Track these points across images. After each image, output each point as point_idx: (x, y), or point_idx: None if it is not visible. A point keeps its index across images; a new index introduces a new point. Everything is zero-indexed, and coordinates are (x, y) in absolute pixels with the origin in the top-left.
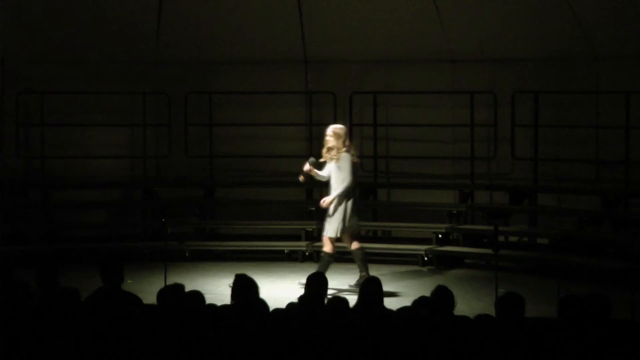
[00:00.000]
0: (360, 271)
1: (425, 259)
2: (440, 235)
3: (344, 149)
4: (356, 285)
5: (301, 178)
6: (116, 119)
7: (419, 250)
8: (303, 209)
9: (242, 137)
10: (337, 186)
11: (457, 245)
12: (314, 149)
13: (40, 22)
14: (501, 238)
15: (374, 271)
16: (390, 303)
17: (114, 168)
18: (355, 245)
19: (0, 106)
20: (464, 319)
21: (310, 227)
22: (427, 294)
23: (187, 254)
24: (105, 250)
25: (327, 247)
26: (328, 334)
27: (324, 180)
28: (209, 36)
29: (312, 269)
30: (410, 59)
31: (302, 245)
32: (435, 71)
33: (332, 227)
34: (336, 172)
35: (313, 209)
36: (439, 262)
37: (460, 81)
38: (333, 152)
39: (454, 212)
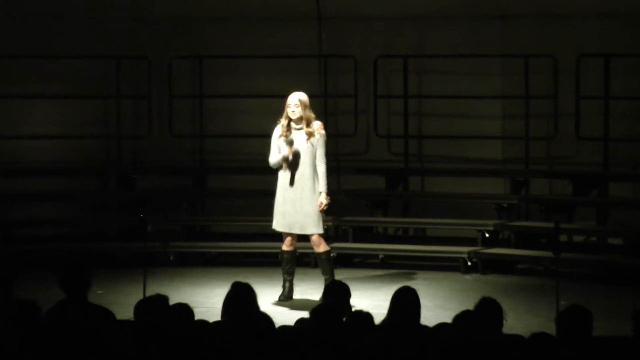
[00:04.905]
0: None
1: (469, 263)
2: (487, 235)
3: (318, 120)
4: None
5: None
6: (84, 90)
7: (460, 253)
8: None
9: (240, 112)
10: (310, 164)
11: (508, 246)
12: (330, 126)
13: None
14: (563, 237)
15: (405, 279)
16: (425, 318)
17: (80, 151)
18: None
19: None
20: (516, 338)
21: (325, 224)
22: (471, 307)
23: (171, 258)
24: (68, 253)
25: (323, 246)
26: (347, 357)
27: (280, 163)
28: None
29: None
30: (448, 15)
31: None
32: (480, 30)
33: (321, 222)
34: (309, 148)
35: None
36: (485, 268)
37: (512, 42)
38: (310, 124)
39: (504, 205)
